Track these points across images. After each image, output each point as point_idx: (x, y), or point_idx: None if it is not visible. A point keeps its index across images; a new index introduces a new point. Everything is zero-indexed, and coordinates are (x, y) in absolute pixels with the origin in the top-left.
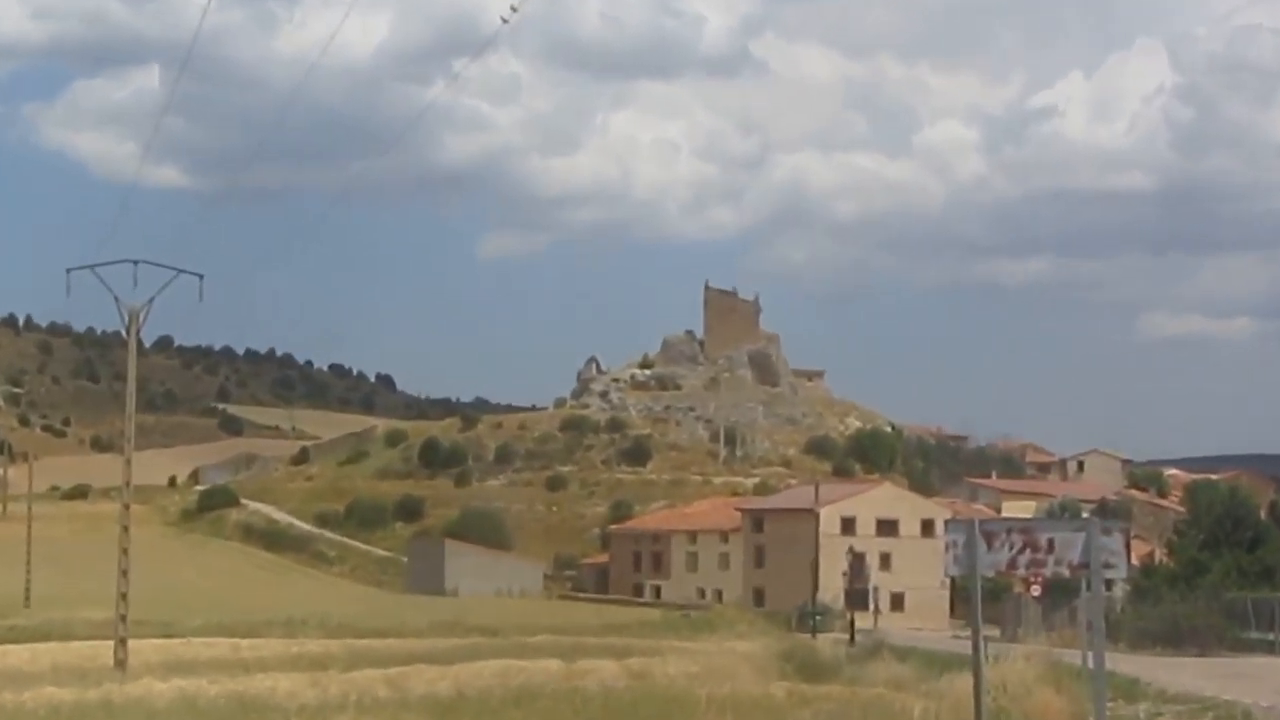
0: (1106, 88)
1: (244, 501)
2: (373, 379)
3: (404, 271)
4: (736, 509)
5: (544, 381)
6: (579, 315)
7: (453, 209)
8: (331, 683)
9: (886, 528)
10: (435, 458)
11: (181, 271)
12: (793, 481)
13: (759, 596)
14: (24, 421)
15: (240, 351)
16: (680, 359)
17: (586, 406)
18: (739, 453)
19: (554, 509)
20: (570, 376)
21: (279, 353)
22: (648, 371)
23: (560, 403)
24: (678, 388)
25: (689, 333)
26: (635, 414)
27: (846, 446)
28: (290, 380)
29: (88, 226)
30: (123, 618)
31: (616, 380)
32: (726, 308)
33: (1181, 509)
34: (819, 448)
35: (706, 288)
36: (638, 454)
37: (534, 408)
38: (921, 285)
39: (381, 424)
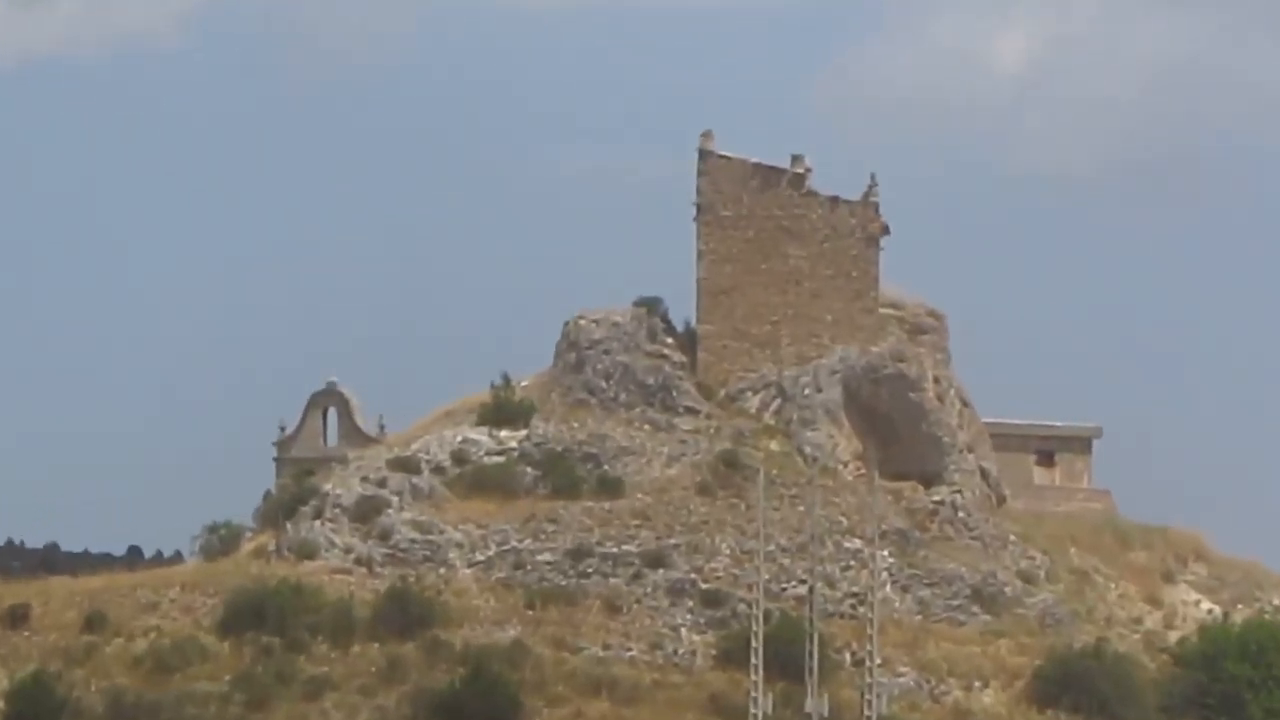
0: None
1: None
2: None
3: None
4: None
5: (178, 478)
6: (293, 255)
7: None
8: None
9: None
10: None
11: None
12: None
13: None
14: None
15: None
16: (620, 391)
17: (309, 556)
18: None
19: None
20: (260, 460)
21: None
22: (514, 436)
23: (216, 544)
24: (610, 490)
25: (645, 306)
26: (473, 580)
27: (1184, 686)
28: None
29: None
30: None
31: (402, 462)
32: (767, 219)
33: None
34: (1082, 678)
35: (706, 154)
36: None
37: (144, 560)
38: None
39: None
